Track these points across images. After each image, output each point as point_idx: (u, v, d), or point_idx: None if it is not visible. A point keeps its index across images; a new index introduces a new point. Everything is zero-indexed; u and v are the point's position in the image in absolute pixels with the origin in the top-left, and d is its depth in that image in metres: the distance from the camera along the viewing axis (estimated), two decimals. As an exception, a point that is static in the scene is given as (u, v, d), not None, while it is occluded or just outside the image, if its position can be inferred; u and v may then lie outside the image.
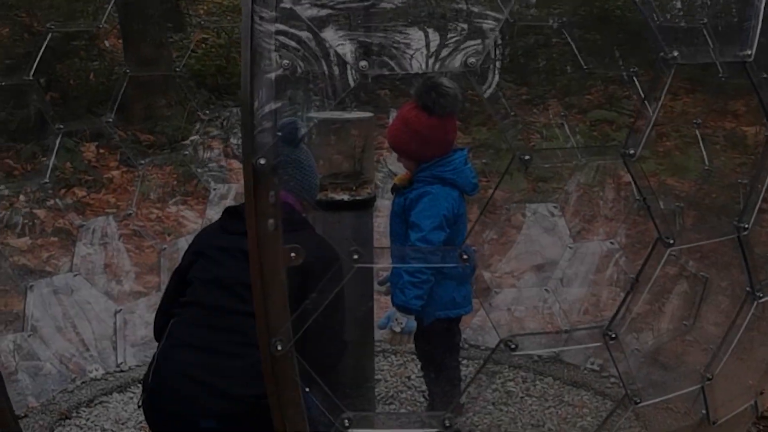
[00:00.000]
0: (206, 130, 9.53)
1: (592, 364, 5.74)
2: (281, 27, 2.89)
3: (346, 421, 3.08)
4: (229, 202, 6.83)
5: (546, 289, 6.25)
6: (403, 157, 4.62)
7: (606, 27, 12.20)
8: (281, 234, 2.95)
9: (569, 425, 5.12)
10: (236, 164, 9.62)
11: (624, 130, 9.86)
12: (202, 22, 11.53)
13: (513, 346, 3.03)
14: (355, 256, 3.01)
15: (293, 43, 2.96)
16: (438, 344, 4.66)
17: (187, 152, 7.31)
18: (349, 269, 3.05)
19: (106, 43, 11.19)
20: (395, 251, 4.60)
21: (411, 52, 2.96)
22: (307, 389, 3.10)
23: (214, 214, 6.66)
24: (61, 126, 6.06)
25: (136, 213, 8.18)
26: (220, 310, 3.77)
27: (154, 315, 6.27)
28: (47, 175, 6.09)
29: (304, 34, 2.95)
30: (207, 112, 7.95)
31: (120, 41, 12.40)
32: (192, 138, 8.06)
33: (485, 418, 5.23)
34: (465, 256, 3.01)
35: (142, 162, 6.80)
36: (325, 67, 2.98)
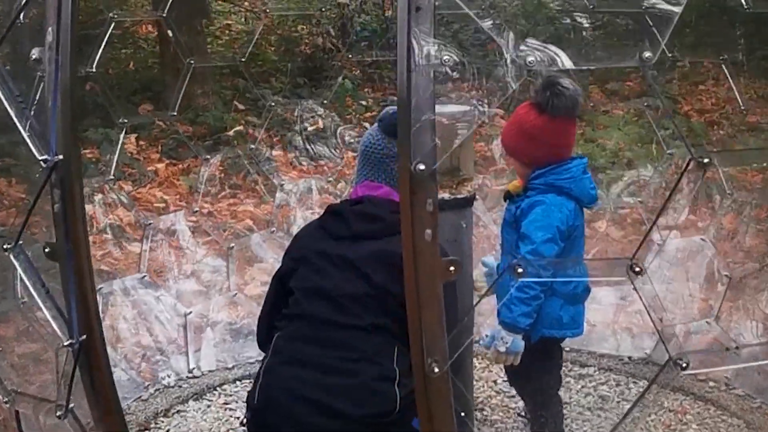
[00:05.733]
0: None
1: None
2: (440, 19, 2.64)
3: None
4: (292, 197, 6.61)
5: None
6: (513, 158, 4.33)
7: None
8: (437, 244, 2.70)
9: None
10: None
11: None
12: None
13: (683, 365, 2.77)
14: (452, 268, 2.75)
15: (454, 37, 2.70)
16: (536, 364, 4.29)
17: (253, 146, 7.01)
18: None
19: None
20: (504, 263, 4.34)
21: (579, 47, 2.69)
22: (462, 414, 2.86)
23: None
24: (125, 120, 5.79)
25: (187, 208, 7.96)
26: (327, 324, 3.49)
27: (224, 316, 6.17)
28: (112, 171, 5.82)
29: (466, 28, 2.68)
30: (272, 104, 7.62)
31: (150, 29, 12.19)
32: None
33: (584, 425, 4.98)
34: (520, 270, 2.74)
35: (208, 157, 6.52)
36: (488, 63, 2.72)
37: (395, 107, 3.77)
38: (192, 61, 6.00)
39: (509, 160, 4.47)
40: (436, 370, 2.74)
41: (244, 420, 3.72)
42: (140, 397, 5.33)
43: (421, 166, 2.59)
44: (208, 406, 5.30)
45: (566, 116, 4.10)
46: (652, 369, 5.55)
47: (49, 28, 2.83)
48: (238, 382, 5.58)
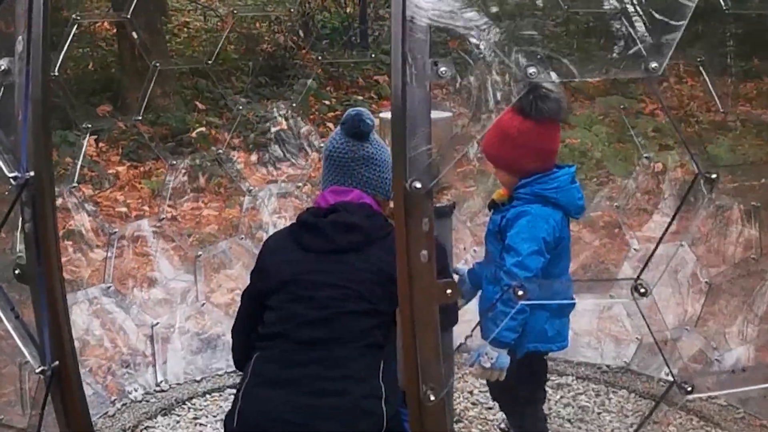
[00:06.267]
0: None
1: (667, 374, 5.38)
2: (437, 28, 2.50)
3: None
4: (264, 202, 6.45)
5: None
6: (497, 166, 4.17)
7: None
8: (434, 265, 2.56)
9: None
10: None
11: None
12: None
13: (688, 389, 2.65)
14: (449, 291, 2.62)
15: (452, 47, 2.55)
16: (521, 379, 4.12)
17: (221, 150, 6.82)
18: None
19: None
20: (488, 277, 4.18)
21: (582, 56, 2.56)
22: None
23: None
24: (89, 125, 5.59)
25: (150, 213, 7.78)
26: (310, 342, 3.31)
27: (192, 327, 5.99)
28: (74, 178, 5.62)
29: (464, 37, 2.54)
30: (240, 107, 7.44)
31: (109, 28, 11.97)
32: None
33: (566, 438, 4.88)
34: (521, 292, 2.62)
35: (174, 162, 6.31)
36: (487, 75, 2.58)
37: (358, 109, 3.65)
38: (158, 64, 5.80)
39: (494, 171, 4.30)
40: (432, 398, 2.60)
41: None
42: (107, 413, 5.14)
43: (417, 184, 2.46)
44: (177, 422, 5.13)
45: (552, 120, 3.96)
46: (630, 378, 5.47)
47: (19, 37, 2.66)
48: (207, 396, 5.41)
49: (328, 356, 3.29)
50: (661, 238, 2.69)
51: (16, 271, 2.79)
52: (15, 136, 2.71)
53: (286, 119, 9.06)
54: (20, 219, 2.75)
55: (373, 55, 12.01)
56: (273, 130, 9.55)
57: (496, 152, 4.09)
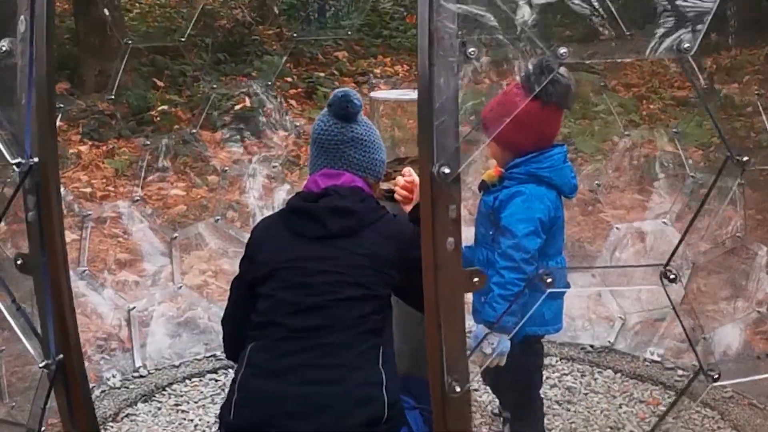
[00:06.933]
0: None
1: (652, 354, 5.36)
2: (465, 8, 2.41)
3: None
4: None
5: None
6: (493, 141, 4.05)
7: None
8: (460, 254, 2.47)
9: (651, 426, 4.72)
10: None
11: None
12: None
13: (715, 376, 2.60)
14: (475, 279, 2.54)
15: (480, 27, 2.46)
16: (520, 365, 3.99)
17: (195, 131, 6.68)
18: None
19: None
20: (480, 261, 4.07)
21: (615, 36, 2.49)
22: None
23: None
24: (61, 105, 5.43)
25: (117, 195, 7.63)
26: (303, 330, 3.21)
27: (168, 310, 5.87)
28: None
29: (493, 17, 2.45)
30: (214, 86, 7.30)
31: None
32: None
33: (555, 420, 4.81)
34: (549, 279, 2.57)
35: (147, 143, 6.16)
36: (518, 55, 2.50)
37: (344, 89, 3.53)
38: (130, 42, 5.64)
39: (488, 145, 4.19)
40: (458, 389, 2.52)
41: (218, 436, 3.44)
42: (86, 400, 5.01)
43: (446, 170, 2.37)
44: (159, 409, 5.01)
45: (557, 105, 3.87)
46: (615, 357, 5.43)
47: (22, 17, 2.53)
48: (187, 381, 5.28)
49: (322, 344, 3.19)
50: (691, 223, 2.64)
51: (18, 261, 2.67)
52: (18, 119, 2.58)
53: (249, 96, 8.93)
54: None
55: (349, 32, 11.84)
56: (236, 108, 9.43)
57: (495, 126, 3.96)
